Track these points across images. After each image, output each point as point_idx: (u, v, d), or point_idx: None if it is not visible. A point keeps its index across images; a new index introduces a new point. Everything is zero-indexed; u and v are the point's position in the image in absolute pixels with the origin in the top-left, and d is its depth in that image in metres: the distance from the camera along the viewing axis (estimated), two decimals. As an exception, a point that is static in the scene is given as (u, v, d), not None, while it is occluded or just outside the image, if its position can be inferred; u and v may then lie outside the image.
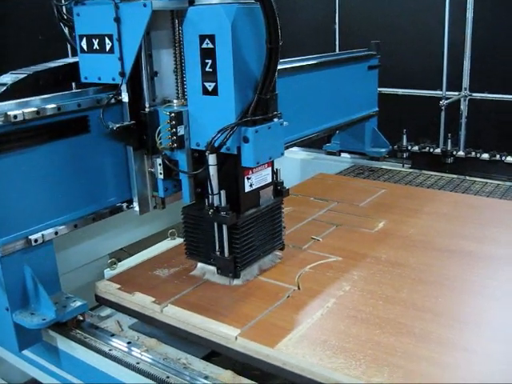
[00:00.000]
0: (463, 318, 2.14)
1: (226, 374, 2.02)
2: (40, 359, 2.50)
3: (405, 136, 4.21)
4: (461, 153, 3.98)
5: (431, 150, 4.09)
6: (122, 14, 2.33)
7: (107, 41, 2.40)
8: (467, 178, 3.92)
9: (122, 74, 2.39)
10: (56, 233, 2.37)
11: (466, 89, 5.46)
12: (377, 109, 4.55)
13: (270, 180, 2.53)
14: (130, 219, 2.96)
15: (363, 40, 4.60)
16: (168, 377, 2.01)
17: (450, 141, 4.05)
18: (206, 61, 2.25)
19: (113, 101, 2.46)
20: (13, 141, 2.17)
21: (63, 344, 2.36)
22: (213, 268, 2.49)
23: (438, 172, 4.06)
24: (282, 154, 2.43)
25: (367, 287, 2.39)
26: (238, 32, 2.18)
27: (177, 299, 2.35)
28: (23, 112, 2.17)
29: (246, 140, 2.25)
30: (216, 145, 2.25)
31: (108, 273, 2.70)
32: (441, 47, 5.39)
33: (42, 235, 2.30)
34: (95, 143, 2.48)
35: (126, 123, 2.46)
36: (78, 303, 2.34)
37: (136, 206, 2.62)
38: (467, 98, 5.48)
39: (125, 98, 2.47)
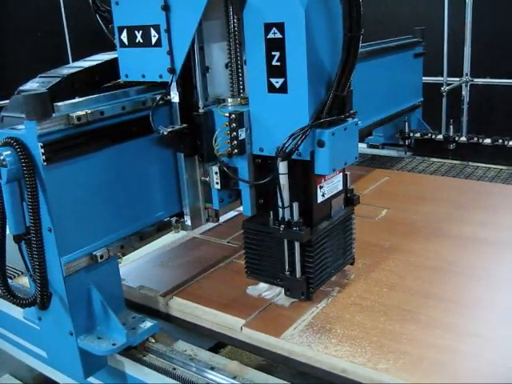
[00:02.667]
0: (468, 303, 2.15)
1: (233, 365, 2.03)
2: None
3: (407, 123, 4.19)
4: (463, 138, 3.96)
5: (433, 136, 4.07)
6: (172, 0, 2.03)
7: (153, 32, 2.10)
8: (470, 163, 3.90)
9: (172, 71, 2.08)
10: (122, 246, 2.11)
11: (467, 74, 5.43)
12: (422, 99, 4.37)
13: (342, 188, 2.24)
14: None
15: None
16: (174, 368, 2.02)
17: (452, 127, 4.03)
18: (273, 53, 1.93)
19: (160, 101, 2.15)
20: (73, 146, 1.91)
21: (133, 369, 2.15)
22: (279, 289, 2.24)
23: (441, 158, 4.04)
24: (357, 158, 2.14)
25: (371, 275, 2.39)
26: (312, 19, 1.87)
27: (181, 291, 2.36)
28: (87, 113, 1.90)
29: (321, 144, 1.94)
30: (287, 150, 1.94)
31: None
32: (441, 33, 5.34)
33: (108, 250, 2.04)
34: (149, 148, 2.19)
35: (177, 127, 2.14)
36: (148, 324, 2.10)
37: (188, 220, 2.33)
38: (468, 84, 5.45)
39: (175, 97, 2.15)
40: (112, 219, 2.08)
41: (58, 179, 1.87)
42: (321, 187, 2.11)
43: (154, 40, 2.11)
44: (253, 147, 2.10)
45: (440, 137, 4.05)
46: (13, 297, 1.96)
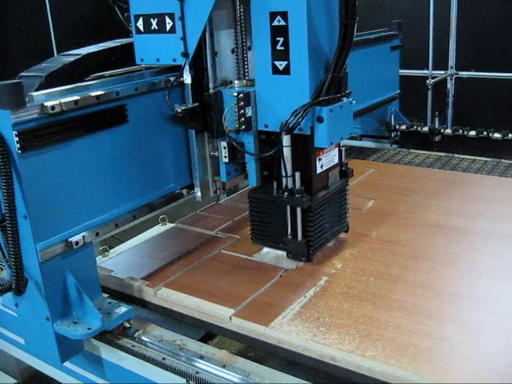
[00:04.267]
0: (453, 292, 2.17)
1: (222, 354, 2.03)
2: (81, 370, 2.31)
3: (393, 115, 4.22)
4: (448, 131, 3.99)
5: (419, 128, 4.10)
6: None
7: (168, 20, 2.29)
8: (455, 155, 3.94)
9: (185, 55, 2.29)
10: (97, 233, 2.16)
11: (452, 67, 5.48)
12: (398, 91, 4.42)
13: (337, 161, 2.49)
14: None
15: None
16: (164, 358, 2.03)
17: (437, 119, 4.06)
18: (277, 39, 2.16)
19: (170, 83, 2.34)
20: (48, 134, 1.94)
21: (108, 353, 2.18)
22: (281, 252, 2.45)
23: (426, 150, 4.08)
24: (350, 134, 2.39)
25: (358, 264, 2.41)
26: (312, 8, 2.09)
27: (170, 281, 2.36)
28: (61, 103, 1.94)
29: (320, 120, 2.17)
30: (290, 125, 2.16)
31: (100, 260, 2.70)
32: (427, 26, 5.38)
33: (83, 237, 2.08)
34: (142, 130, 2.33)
35: (190, 105, 2.37)
36: (123, 309, 2.14)
37: (198, 192, 2.54)
38: (453, 77, 5.50)
39: (187, 79, 2.37)
40: (87, 206, 2.13)
41: (33, 167, 1.91)
42: (319, 159, 2.33)
43: (168, 27, 2.31)
44: (258, 124, 2.33)
45: (426, 129, 4.08)
46: None
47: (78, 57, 2.48)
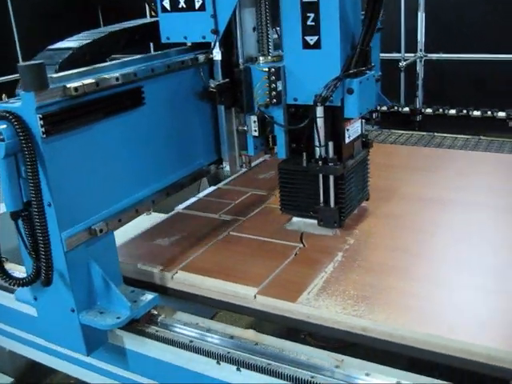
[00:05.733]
0: (452, 260, 2.23)
1: (249, 333, 2.02)
2: (106, 364, 2.24)
3: (373, 97, 4.27)
4: (429, 110, 4.10)
5: (400, 109, 4.19)
6: None
7: None
8: (435, 134, 4.04)
9: (216, 32, 2.32)
10: (119, 220, 2.10)
11: (421, 50, 5.60)
12: (380, 73, 4.44)
13: (360, 132, 2.57)
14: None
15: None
16: (191, 341, 1.99)
17: (417, 99, 4.16)
18: (308, 15, 2.22)
19: (202, 60, 2.41)
20: (72, 117, 1.87)
21: (135, 343, 2.12)
22: (311, 221, 2.51)
23: (408, 130, 4.16)
24: (374, 105, 2.52)
25: (370, 239, 2.45)
26: None
27: (185, 265, 2.32)
28: (83, 84, 1.87)
29: (350, 91, 2.25)
30: (324, 97, 2.22)
31: None
32: (398, 10, 5.48)
33: (106, 224, 2.02)
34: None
35: (222, 81, 2.41)
36: (149, 296, 2.08)
37: (226, 166, 2.60)
38: (423, 59, 5.62)
39: (217, 56, 2.42)
40: (110, 191, 2.07)
41: (57, 153, 1.83)
42: (347, 130, 2.42)
43: (197, 5, 2.34)
44: (287, 97, 2.38)
45: (406, 109, 4.17)
46: (9, 277, 1.89)
47: (104, 34, 2.48)
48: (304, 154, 2.39)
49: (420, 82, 5.67)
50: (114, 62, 2.16)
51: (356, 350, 1.97)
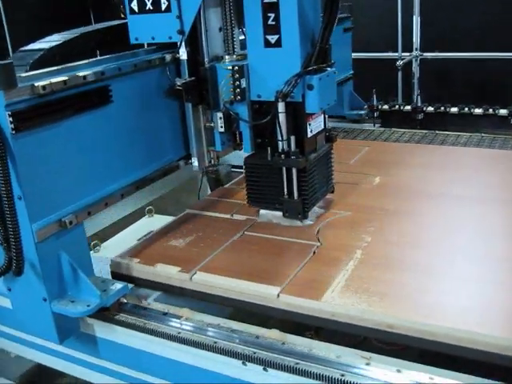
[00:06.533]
0: (481, 255, 2.24)
1: (274, 333, 2.00)
2: (78, 353, 2.34)
3: (375, 96, 4.29)
4: (430, 108, 4.10)
5: (401, 107, 4.19)
6: None
7: (163, 0, 2.40)
8: (437, 132, 4.05)
9: (182, 32, 2.42)
10: (89, 213, 2.21)
11: (416, 49, 5.63)
12: (352, 71, 4.53)
13: (323, 127, 2.65)
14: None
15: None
16: (216, 342, 1.97)
17: (419, 97, 4.17)
18: (269, 14, 2.32)
19: (169, 59, 2.52)
20: (41, 115, 1.99)
21: (106, 331, 2.21)
22: (278, 213, 2.58)
23: (409, 129, 4.17)
24: (335, 101, 2.56)
25: (387, 237, 2.44)
26: None
27: (203, 266, 2.29)
28: (51, 83, 1.98)
29: (310, 87, 2.34)
30: (285, 93, 2.31)
31: (92, 255, 2.54)
32: (394, 11, 5.51)
33: (76, 216, 2.13)
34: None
35: (189, 79, 2.52)
36: (119, 285, 2.19)
37: (195, 161, 2.70)
38: (418, 58, 5.66)
39: (183, 55, 2.54)
40: (79, 185, 2.19)
41: (26, 148, 1.94)
42: (309, 124, 2.50)
43: (163, 6, 2.42)
44: (251, 94, 2.48)
45: (408, 108, 4.18)
46: None
47: (75, 35, 2.50)
48: (268, 148, 2.48)
49: (416, 81, 5.73)
50: (83, 61, 2.24)
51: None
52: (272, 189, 2.56)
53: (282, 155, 2.43)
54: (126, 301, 2.23)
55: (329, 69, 2.46)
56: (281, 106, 2.35)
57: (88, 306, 2.04)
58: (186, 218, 2.80)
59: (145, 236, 2.67)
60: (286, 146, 2.42)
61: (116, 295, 2.16)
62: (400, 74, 5.61)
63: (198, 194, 3.50)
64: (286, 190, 2.51)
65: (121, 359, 2.24)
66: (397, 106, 4.24)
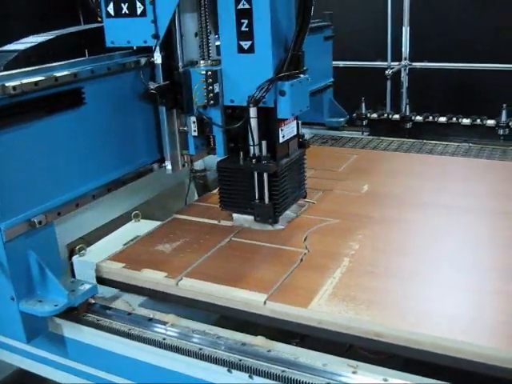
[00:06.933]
0: (467, 263, 2.24)
1: (259, 340, 1.98)
2: (46, 353, 2.35)
3: (363, 104, 4.30)
4: (419, 118, 4.13)
5: (390, 116, 4.21)
6: None
7: (138, 4, 2.43)
8: (425, 141, 4.06)
9: (156, 37, 2.44)
10: (59, 213, 2.23)
11: (405, 58, 5.67)
12: (332, 79, 4.60)
13: (296, 132, 2.67)
14: (87, 208, 2.82)
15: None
16: (201, 348, 1.95)
17: (407, 106, 4.19)
18: (242, 21, 2.34)
19: (143, 63, 2.54)
20: (10, 115, 2.01)
21: (74, 331, 2.22)
22: (250, 217, 2.60)
23: (398, 137, 4.19)
24: (308, 107, 2.57)
25: (374, 244, 2.43)
26: None
27: (190, 272, 2.27)
28: (22, 83, 2.00)
29: (282, 93, 2.36)
30: (257, 98, 2.34)
31: (77, 259, 2.55)
32: (384, 20, 5.55)
33: (45, 216, 2.15)
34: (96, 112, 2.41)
35: (162, 83, 2.53)
36: (87, 286, 2.22)
37: (168, 165, 2.71)
38: (407, 68, 5.70)
39: (158, 59, 2.54)
40: (49, 186, 2.21)
41: None
42: (281, 130, 2.53)
43: (139, 11, 2.45)
44: (224, 99, 2.50)
45: (396, 117, 4.20)
46: None
47: (50, 37, 2.50)
48: (241, 152, 2.50)
49: (404, 90, 5.77)
50: (57, 63, 2.27)
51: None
52: (244, 193, 2.58)
53: (254, 160, 2.45)
54: (94, 301, 2.26)
55: (302, 75, 2.48)
56: (252, 111, 2.38)
57: (55, 305, 2.06)
58: (172, 223, 2.78)
59: (131, 241, 2.64)
60: (257, 151, 2.44)
61: (84, 296, 2.18)
62: (389, 83, 5.64)
63: (186, 199, 3.48)
64: (257, 194, 2.53)
65: (88, 359, 2.27)
66: (385, 115, 4.26)
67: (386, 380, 1.73)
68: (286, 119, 2.51)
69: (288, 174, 2.60)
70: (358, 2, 5.79)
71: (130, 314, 2.18)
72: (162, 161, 2.77)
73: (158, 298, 2.27)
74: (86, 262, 2.49)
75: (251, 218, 2.60)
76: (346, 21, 5.54)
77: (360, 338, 1.90)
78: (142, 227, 2.83)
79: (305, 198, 2.85)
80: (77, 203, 2.33)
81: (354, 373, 1.77)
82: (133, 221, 3.08)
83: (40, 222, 2.11)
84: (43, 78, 2.10)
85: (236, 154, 2.53)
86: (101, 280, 2.36)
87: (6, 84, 1.95)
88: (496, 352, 1.71)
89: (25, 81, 2.02)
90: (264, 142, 2.43)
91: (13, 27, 5.75)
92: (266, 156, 2.43)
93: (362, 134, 4.38)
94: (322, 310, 1.96)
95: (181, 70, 2.56)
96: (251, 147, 2.44)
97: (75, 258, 2.57)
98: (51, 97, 2.16)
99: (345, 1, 5.82)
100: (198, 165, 3.74)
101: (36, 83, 2.06)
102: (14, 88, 1.97)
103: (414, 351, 1.81)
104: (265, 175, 2.47)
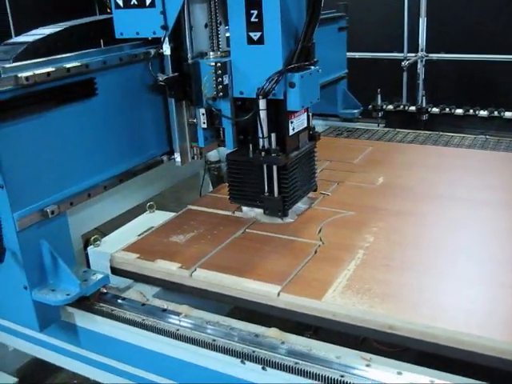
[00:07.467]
0: (482, 256, 2.21)
1: (273, 332, 1.98)
2: (59, 341, 2.37)
3: (379, 96, 4.26)
4: (435, 109, 4.08)
5: (406, 108, 4.17)
6: None
7: None
8: (441, 133, 4.02)
9: (165, 28, 2.40)
10: (71, 203, 2.24)
11: (422, 50, 5.60)
12: (346, 70, 4.57)
13: (306, 125, 2.63)
14: (102, 198, 2.79)
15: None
16: (214, 340, 1.95)
17: (424, 98, 4.14)
18: (252, 12, 2.31)
19: (153, 54, 2.52)
20: (24, 105, 2.01)
21: (86, 320, 2.24)
22: (259, 210, 2.59)
23: (413, 129, 4.14)
24: (319, 99, 2.53)
25: (389, 237, 2.41)
26: None
27: (203, 263, 2.27)
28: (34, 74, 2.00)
29: (292, 85, 2.33)
30: (266, 90, 2.31)
31: (92, 250, 2.57)
32: (401, 11, 5.48)
33: (58, 206, 2.16)
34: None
35: (171, 75, 2.50)
36: (99, 276, 2.23)
37: (178, 157, 2.67)
38: (424, 59, 5.63)
39: (167, 50, 2.51)
40: (62, 176, 2.21)
41: (9, 138, 1.97)
42: (291, 122, 2.50)
43: (148, 2, 2.42)
44: (234, 91, 2.48)
45: (413, 108, 4.15)
46: None
47: (59, 29, 2.53)
48: (250, 145, 2.47)
49: (421, 82, 5.70)
50: (69, 54, 2.26)
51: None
52: (253, 186, 2.56)
53: (263, 152, 2.42)
54: (105, 291, 2.27)
55: (312, 67, 2.44)
56: (262, 103, 2.35)
57: (68, 294, 2.07)
58: (187, 214, 2.78)
59: (145, 231, 2.65)
60: (266, 144, 2.42)
61: (96, 285, 2.19)
62: (405, 74, 5.58)
63: (200, 190, 3.49)
64: (266, 187, 2.51)
65: (100, 348, 2.28)
66: (401, 107, 4.21)
67: (400, 373, 1.72)
68: (296, 111, 2.48)
69: (298, 166, 2.57)
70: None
71: (143, 304, 2.18)
72: (171, 153, 2.75)
73: (171, 289, 2.28)
74: (101, 253, 2.51)
75: (261, 211, 2.59)
76: (362, 12, 5.48)
77: (374, 330, 1.88)
78: (156, 218, 2.84)
79: (315, 191, 2.82)
80: (89, 193, 2.34)
81: (367, 366, 1.76)
82: (147, 212, 3.09)
83: (53, 212, 2.13)
84: (55, 68, 2.10)
85: (245, 146, 2.51)
86: (115, 270, 2.38)
87: (19, 75, 1.96)
88: (511, 346, 1.69)
89: (37, 71, 2.03)
90: (273, 135, 2.41)
91: (31, 18, 5.78)
92: (276, 149, 2.41)
93: (378, 125, 4.34)
94: (336, 302, 1.95)
95: (190, 61, 2.54)
96: (260, 140, 2.42)
97: (90, 249, 2.58)
98: (64, 87, 2.16)
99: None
100: (213, 156, 3.72)
101: (48, 74, 2.06)
102: (27, 79, 1.98)
103: (428, 345, 1.80)
104: (274, 168, 2.46)
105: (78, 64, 2.20)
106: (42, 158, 2.11)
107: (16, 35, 5.94)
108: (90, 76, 2.28)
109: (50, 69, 2.08)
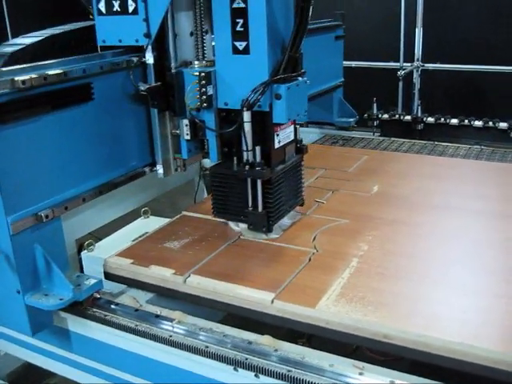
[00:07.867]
0: (476, 265, 2.22)
1: (266, 339, 1.98)
2: (51, 346, 2.36)
3: (375, 104, 4.28)
4: (431, 119, 4.10)
5: (401, 117, 4.19)
6: None
7: (130, 2, 2.36)
8: (436, 143, 4.04)
9: (148, 36, 2.35)
10: (66, 208, 2.24)
11: (418, 59, 5.64)
12: (343, 79, 4.60)
13: (293, 137, 2.56)
14: (96, 203, 2.79)
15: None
16: (207, 346, 1.94)
17: (419, 108, 4.16)
18: (237, 20, 2.24)
19: (134, 62, 2.46)
20: (19, 109, 2.02)
21: (79, 325, 2.23)
22: (244, 225, 2.52)
23: (408, 139, 4.17)
24: (306, 112, 2.45)
25: (384, 246, 2.42)
26: None
27: (197, 269, 2.26)
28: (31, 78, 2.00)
29: (278, 97, 2.26)
30: (251, 102, 2.24)
31: (86, 255, 2.56)
32: (397, 21, 5.52)
33: (52, 210, 2.16)
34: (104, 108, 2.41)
35: (153, 84, 2.44)
36: (93, 281, 2.22)
37: (160, 169, 2.61)
38: (419, 69, 5.66)
39: (149, 59, 2.45)
40: (56, 180, 2.21)
41: (4, 142, 1.97)
42: (277, 135, 2.43)
43: (131, 9, 2.38)
44: (218, 102, 2.40)
45: (408, 118, 4.18)
46: None
47: (39, 38, 2.49)
48: (234, 158, 2.41)
49: (416, 92, 5.73)
50: (56, 60, 2.25)
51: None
52: (237, 200, 2.47)
53: (247, 166, 2.34)
54: (98, 296, 2.26)
55: (300, 78, 2.37)
56: (246, 115, 2.27)
57: (61, 299, 2.07)
58: (181, 220, 2.78)
59: (140, 237, 2.64)
60: (251, 157, 2.33)
61: (89, 290, 2.19)
62: (401, 83, 5.61)
63: (195, 197, 3.49)
64: (250, 201, 2.42)
65: (93, 354, 2.27)
66: (397, 116, 4.24)
67: (392, 382, 1.72)
68: (282, 124, 2.40)
69: (283, 181, 2.50)
70: (371, 3, 5.75)
71: (137, 310, 2.18)
72: (153, 164, 2.69)
73: (165, 295, 2.27)
74: (95, 258, 2.50)
75: (245, 225, 2.51)
76: (359, 21, 5.52)
77: (368, 339, 1.88)
78: (151, 224, 2.83)
79: (302, 205, 2.73)
80: (83, 198, 2.34)
81: (360, 374, 1.76)
82: (142, 217, 3.08)
83: (47, 216, 2.12)
84: (52, 72, 2.11)
85: (230, 159, 2.43)
86: (109, 276, 2.37)
87: (16, 78, 1.97)
88: (504, 356, 1.69)
89: (34, 75, 2.04)
90: (258, 148, 2.32)
91: (24, 23, 5.78)
92: (260, 162, 2.33)
93: (373, 134, 4.37)
94: (330, 310, 1.95)
95: (173, 70, 2.46)
96: (245, 153, 2.34)
97: (84, 254, 2.57)
98: (60, 91, 2.16)
99: (358, 1, 5.79)
100: (208, 163, 3.73)
101: (45, 77, 2.07)
102: (24, 82, 1.98)
103: (422, 354, 1.80)
104: (258, 182, 2.37)
105: (75, 69, 2.20)
106: (36, 161, 2.11)
107: (13, 37, 5.95)
108: (88, 80, 2.28)
109: (45, 73, 2.09)
